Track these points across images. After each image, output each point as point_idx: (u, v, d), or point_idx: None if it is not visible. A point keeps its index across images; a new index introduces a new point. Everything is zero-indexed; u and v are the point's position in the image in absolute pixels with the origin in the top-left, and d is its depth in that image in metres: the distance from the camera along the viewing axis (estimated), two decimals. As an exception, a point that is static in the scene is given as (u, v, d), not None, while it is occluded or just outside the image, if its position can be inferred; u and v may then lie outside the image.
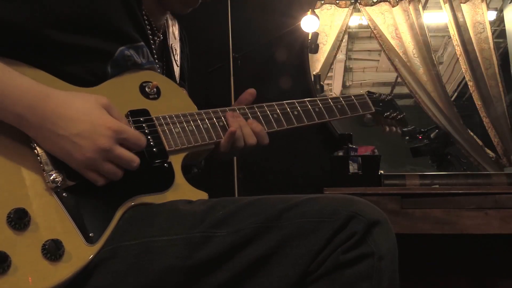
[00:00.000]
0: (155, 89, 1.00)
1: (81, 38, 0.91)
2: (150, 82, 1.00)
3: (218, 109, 1.05)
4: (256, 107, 1.10)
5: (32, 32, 0.87)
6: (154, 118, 0.95)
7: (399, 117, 1.35)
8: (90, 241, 0.78)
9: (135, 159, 0.84)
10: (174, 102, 1.02)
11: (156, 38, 1.14)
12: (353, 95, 1.25)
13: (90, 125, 0.81)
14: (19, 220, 0.74)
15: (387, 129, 1.35)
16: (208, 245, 0.78)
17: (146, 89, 1.00)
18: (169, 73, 1.18)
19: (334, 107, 1.19)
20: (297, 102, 1.15)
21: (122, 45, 0.97)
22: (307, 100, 1.17)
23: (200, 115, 1.01)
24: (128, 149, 0.84)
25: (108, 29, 0.95)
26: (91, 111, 0.82)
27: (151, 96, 1.00)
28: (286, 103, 1.14)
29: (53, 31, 0.88)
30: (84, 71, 0.92)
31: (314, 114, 1.15)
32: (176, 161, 0.95)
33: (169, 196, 0.91)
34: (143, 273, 0.78)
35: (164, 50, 1.19)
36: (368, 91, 1.31)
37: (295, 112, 1.13)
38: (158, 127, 0.95)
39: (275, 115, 1.11)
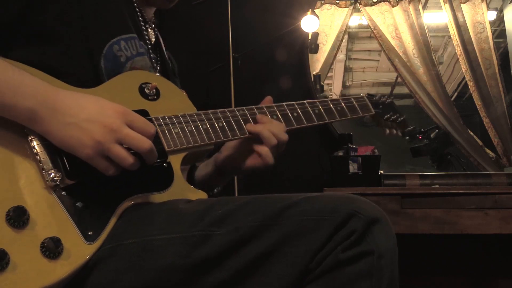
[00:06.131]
0: (154, 90, 1.00)
1: (76, 28, 0.93)
2: (149, 83, 1.00)
3: (217, 110, 1.05)
4: (255, 109, 1.10)
5: (28, 23, 0.89)
6: (154, 119, 0.95)
7: (399, 119, 1.36)
8: (89, 239, 0.78)
9: (146, 141, 0.84)
10: (173, 103, 1.02)
11: (149, 28, 1.14)
12: (352, 97, 1.25)
13: (98, 109, 0.83)
14: (18, 218, 0.74)
15: (387, 131, 1.36)
16: (207, 244, 0.78)
17: (146, 90, 1.00)
18: (164, 67, 1.18)
19: (333, 109, 1.19)
20: (296, 103, 1.15)
21: (113, 37, 0.98)
22: (307, 102, 1.17)
23: (199, 116, 1.01)
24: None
25: (102, 19, 0.97)
26: (98, 99, 0.85)
27: (150, 97, 1.00)
28: (286, 104, 1.14)
29: (48, 21, 0.90)
30: (77, 66, 0.94)
31: (313, 115, 1.16)
32: (175, 161, 0.95)
33: (169, 195, 0.91)
34: (142, 272, 0.78)
35: (158, 44, 1.19)
36: (368, 94, 1.31)
37: (295, 114, 1.13)
38: (158, 127, 0.95)
39: (274, 117, 1.11)
